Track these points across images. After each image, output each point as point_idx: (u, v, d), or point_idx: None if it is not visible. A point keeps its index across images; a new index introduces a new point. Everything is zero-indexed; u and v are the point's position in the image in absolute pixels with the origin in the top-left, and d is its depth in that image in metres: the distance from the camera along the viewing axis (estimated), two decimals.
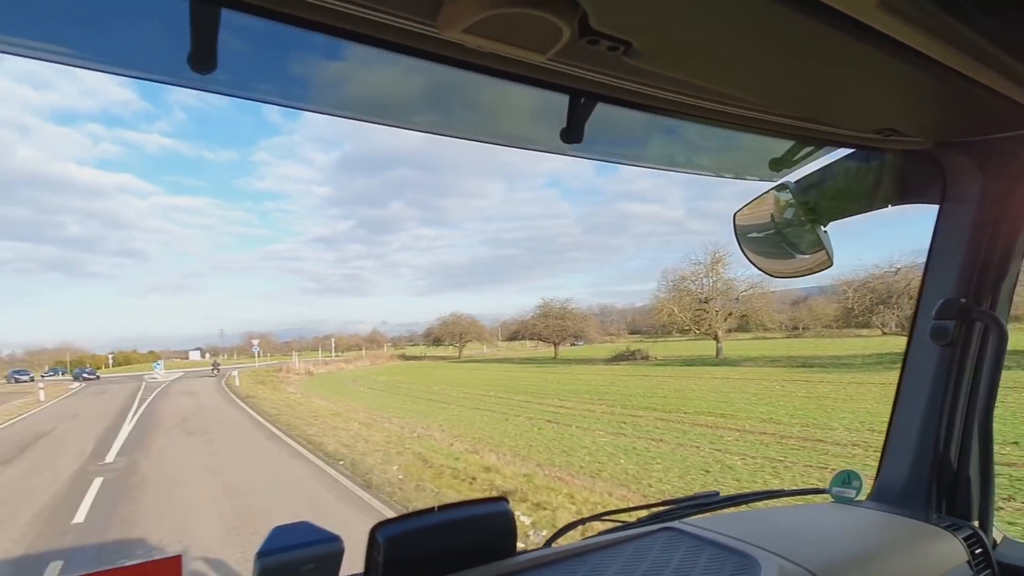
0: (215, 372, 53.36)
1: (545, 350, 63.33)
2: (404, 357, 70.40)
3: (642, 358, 37.64)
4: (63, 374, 66.26)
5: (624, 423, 13.71)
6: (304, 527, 0.86)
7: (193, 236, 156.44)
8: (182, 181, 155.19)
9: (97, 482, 9.05)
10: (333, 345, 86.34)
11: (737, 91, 0.87)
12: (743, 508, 1.40)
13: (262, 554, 0.80)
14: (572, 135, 0.95)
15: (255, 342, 66.76)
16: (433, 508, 0.99)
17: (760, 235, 1.42)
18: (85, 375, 52.88)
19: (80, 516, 7.21)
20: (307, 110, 0.88)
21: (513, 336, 71.97)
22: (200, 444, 12.52)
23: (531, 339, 59.07)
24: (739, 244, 1.44)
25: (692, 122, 1.03)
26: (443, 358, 64.93)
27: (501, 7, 0.60)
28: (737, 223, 1.43)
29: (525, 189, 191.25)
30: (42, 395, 30.74)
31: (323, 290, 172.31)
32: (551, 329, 52.20)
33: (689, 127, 1.07)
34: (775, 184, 1.37)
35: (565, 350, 54.53)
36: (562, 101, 0.91)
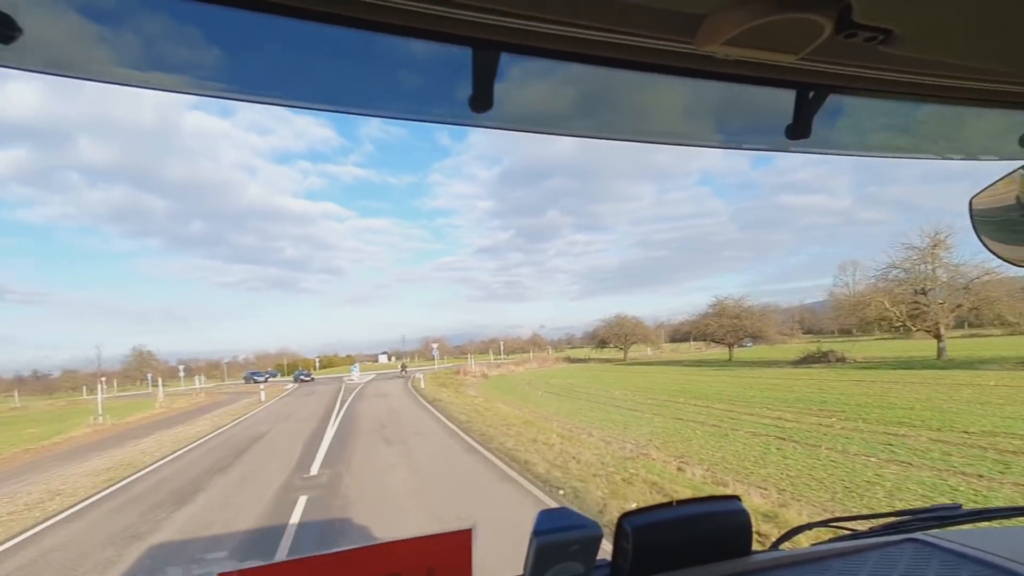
0: (403, 373, 57.21)
1: (713, 352, 59.62)
2: (569, 359, 69.92)
3: (837, 360, 32.87)
4: (278, 376, 76.25)
5: (891, 445, 10.34)
6: (565, 512, 0.92)
7: (379, 253, 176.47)
8: (371, 205, 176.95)
9: (302, 501, 8.30)
10: (502, 348, 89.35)
11: (991, 63, 0.82)
12: (992, 524, 1.29)
13: (538, 533, 0.88)
14: (799, 130, 0.93)
15: (434, 346, 71.81)
16: (672, 502, 1.05)
17: (1005, 220, 1.31)
18: (302, 377, 57.73)
19: (282, 550, 6.21)
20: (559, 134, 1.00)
21: (675, 337, 68.03)
22: (399, 457, 11.69)
23: (703, 340, 55.14)
24: (976, 231, 1.35)
25: (933, 103, 0.99)
26: (608, 360, 63.41)
27: (764, 16, 0.61)
28: (975, 208, 1.35)
29: (676, 189, 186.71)
30: (263, 395, 34.68)
31: (487, 297, 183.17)
32: (725, 329, 48.15)
33: (927, 109, 1.03)
34: None
35: (737, 351, 50.13)
36: (788, 97, 0.90)
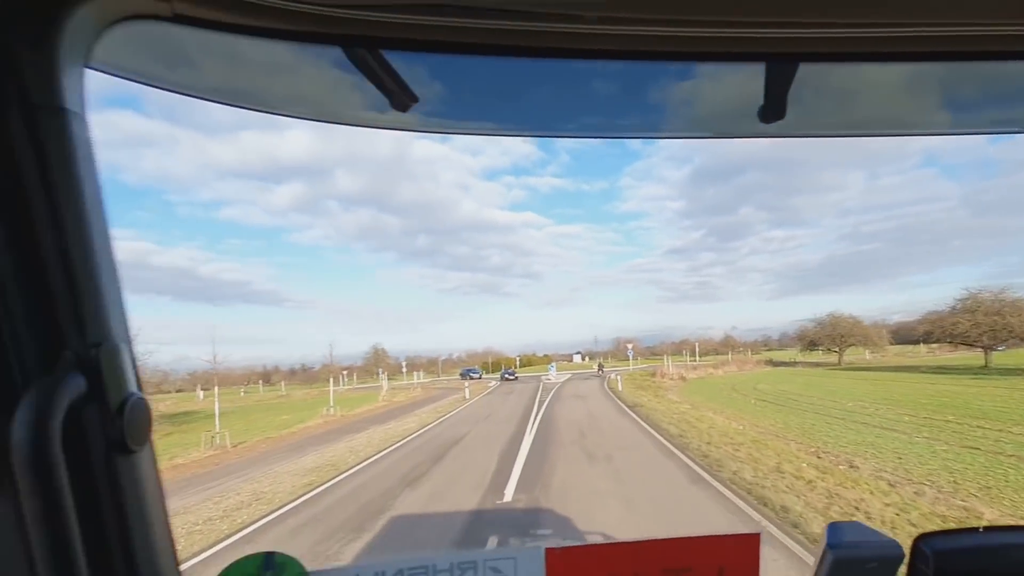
0: (600, 373, 57.85)
1: (955, 355, 49.07)
2: (771, 363, 62.97)
3: None
4: (482, 374, 78.42)
5: None
6: (858, 526, 0.90)
7: (573, 257, 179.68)
8: (566, 212, 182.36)
9: (492, 542, 6.70)
10: (697, 349, 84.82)
11: None
12: None
13: (832, 547, 0.86)
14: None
15: (629, 346, 69.73)
16: (978, 528, 0.98)
17: None
18: (507, 376, 59.29)
19: None
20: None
21: (899, 338, 55.51)
22: (607, 481, 9.66)
23: (947, 341, 43.98)
24: None
25: None
26: (819, 364, 55.33)
27: None
28: None
29: (891, 174, 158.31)
30: (467, 393, 35.65)
31: (677, 298, 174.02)
32: (981, 328, 37.77)
33: None
34: None
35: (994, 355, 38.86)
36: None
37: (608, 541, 0.85)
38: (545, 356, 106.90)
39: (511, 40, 0.73)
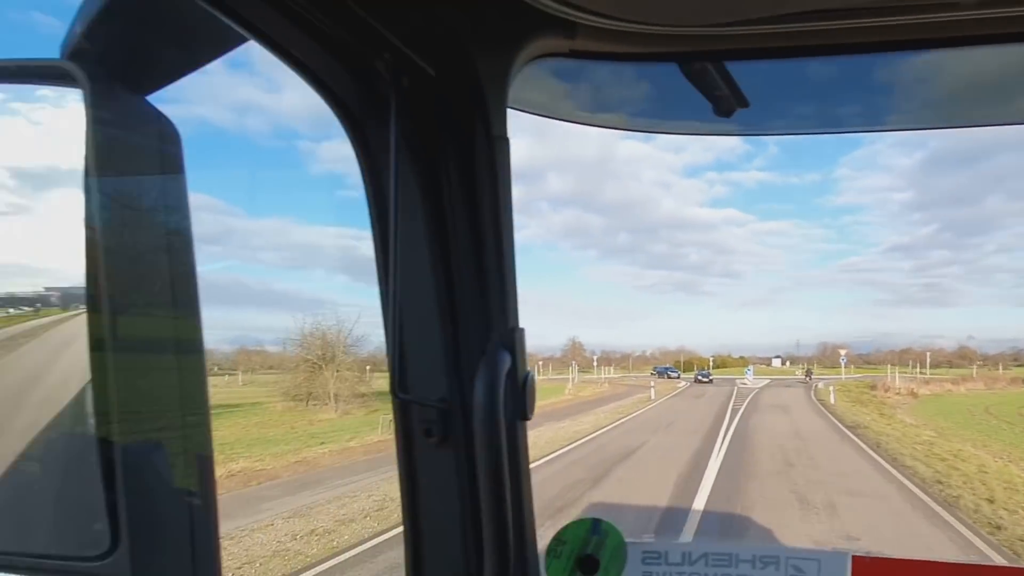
0: (807, 379, 51.51)
1: None
2: None
3: None
4: (672, 373, 71.25)
5: None
6: None
7: (777, 256, 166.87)
8: (772, 208, 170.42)
9: None
10: (928, 360, 73.69)
11: None
12: None
13: None
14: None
15: (842, 352, 63.75)
16: None
17: None
18: (700, 377, 54.33)
19: None
20: None
21: None
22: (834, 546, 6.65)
23: None
24: None
25: None
26: None
27: None
28: None
29: None
30: (652, 393, 33.30)
31: (898, 301, 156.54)
32: None
33: None
34: None
35: None
36: None
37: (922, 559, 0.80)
38: (741, 358, 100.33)
39: (855, 38, 0.75)
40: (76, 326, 0.43)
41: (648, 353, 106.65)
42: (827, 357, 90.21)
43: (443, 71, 0.72)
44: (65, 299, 0.46)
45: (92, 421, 0.41)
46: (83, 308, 0.44)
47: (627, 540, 0.81)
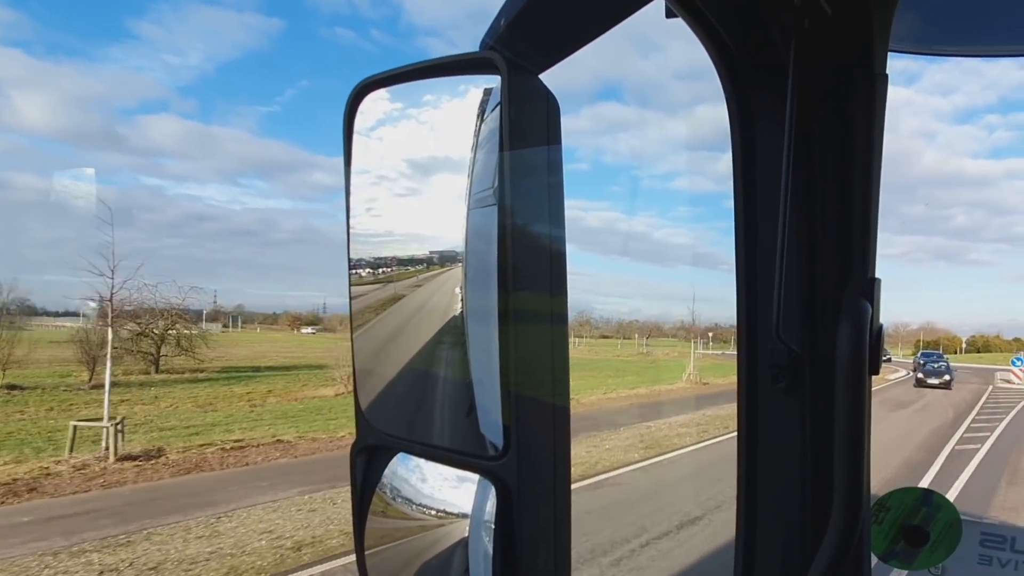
0: None
1: None
2: None
3: None
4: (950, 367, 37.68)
5: None
6: None
7: None
8: None
9: None
10: None
11: None
12: None
13: None
14: None
15: None
16: None
17: None
18: (925, 369, 30.50)
19: None
20: None
21: None
22: None
23: None
24: None
25: None
26: None
27: None
28: None
29: None
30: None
31: None
32: None
33: None
34: None
35: None
36: None
37: None
38: (1015, 340, 77.21)
39: None
40: (454, 277, 0.55)
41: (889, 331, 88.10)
42: None
43: (839, 7, 0.69)
44: (443, 259, 0.56)
45: (493, 356, 0.51)
46: (453, 266, 0.55)
47: (964, 517, 0.76)
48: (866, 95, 0.72)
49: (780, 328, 0.71)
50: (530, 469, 0.52)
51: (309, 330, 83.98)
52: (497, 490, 0.52)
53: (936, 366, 30.78)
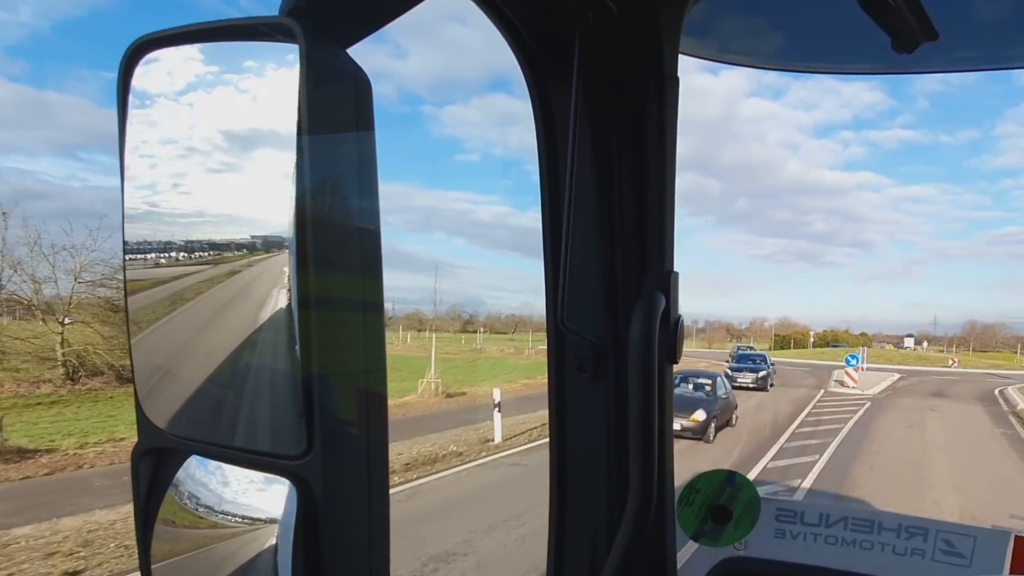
0: None
1: None
2: None
3: None
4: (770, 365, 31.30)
5: None
6: None
7: (917, 224, 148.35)
8: (914, 170, 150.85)
9: None
10: None
11: None
12: None
13: None
14: None
15: None
16: None
17: None
18: (737, 366, 24.34)
19: None
20: None
21: None
22: None
23: None
24: None
25: None
26: None
27: None
28: None
29: None
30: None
31: None
32: None
33: None
34: None
35: None
36: None
37: None
38: (862, 335, 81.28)
39: None
40: (278, 264, 0.49)
41: (741, 326, 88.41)
42: (976, 338, 77.64)
43: (624, 6, 0.71)
44: (267, 244, 0.51)
45: (294, 346, 0.48)
46: (279, 252, 0.49)
47: (762, 495, 0.82)
48: (657, 96, 0.74)
49: (565, 318, 0.72)
50: (337, 467, 0.49)
51: None
52: (299, 492, 0.48)
53: (745, 365, 24.47)
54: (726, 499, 0.82)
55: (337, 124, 0.50)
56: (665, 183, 0.77)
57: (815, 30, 0.92)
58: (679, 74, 0.77)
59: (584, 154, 0.75)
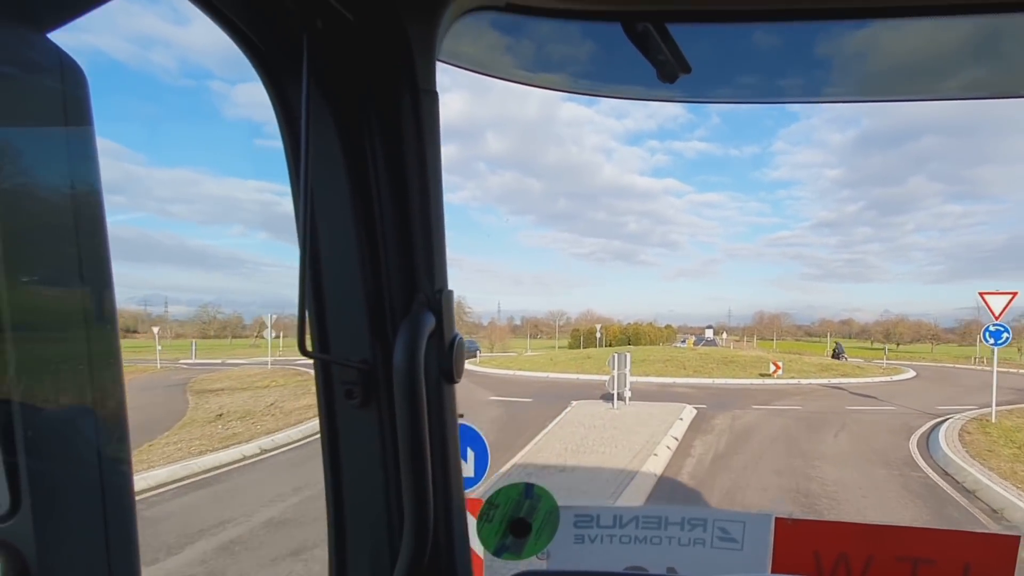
0: (843, 360, 36.31)
1: None
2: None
3: None
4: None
5: None
6: None
7: (713, 227, 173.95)
8: (709, 179, 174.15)
9: None
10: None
11: None
12: None
13: None
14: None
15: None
16: None
17: None
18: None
19: None
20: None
21: None
22: None
23: None
24: None
25: None
26: None
27: None
28: None
29: None
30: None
31: (822, 276, 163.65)
32: None
33: None
34: None
35: None
36: None
37: (850, 522, 0.82)
38: (667, 327, 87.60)
39: (798, 4, 0.74)
40: None
41: (563, 321, 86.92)
42: (765, 326, 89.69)
43: (363, 16, 0.67)
44: None
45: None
46: None
47: (560, 504, 0.83)
48: (412, 110, 0.72)
49: (304, 342, 0.67)
50: (57, 525, 0.39)
51: None
52: (6, 564, 0.38)
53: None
54: (525, 511, 0.81)
55: (36, 116, 0.43)
56: (429, 199, 0.74)
57: (595, 57, 0.95)
58: (446, 87, 0.76)
59: (334, 171, 0.71)
